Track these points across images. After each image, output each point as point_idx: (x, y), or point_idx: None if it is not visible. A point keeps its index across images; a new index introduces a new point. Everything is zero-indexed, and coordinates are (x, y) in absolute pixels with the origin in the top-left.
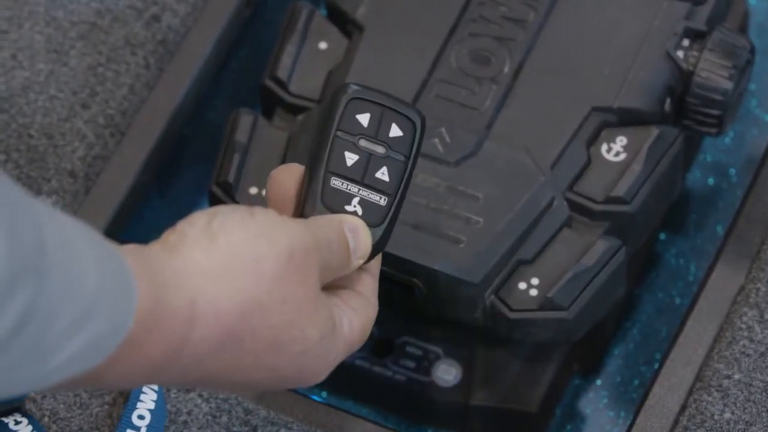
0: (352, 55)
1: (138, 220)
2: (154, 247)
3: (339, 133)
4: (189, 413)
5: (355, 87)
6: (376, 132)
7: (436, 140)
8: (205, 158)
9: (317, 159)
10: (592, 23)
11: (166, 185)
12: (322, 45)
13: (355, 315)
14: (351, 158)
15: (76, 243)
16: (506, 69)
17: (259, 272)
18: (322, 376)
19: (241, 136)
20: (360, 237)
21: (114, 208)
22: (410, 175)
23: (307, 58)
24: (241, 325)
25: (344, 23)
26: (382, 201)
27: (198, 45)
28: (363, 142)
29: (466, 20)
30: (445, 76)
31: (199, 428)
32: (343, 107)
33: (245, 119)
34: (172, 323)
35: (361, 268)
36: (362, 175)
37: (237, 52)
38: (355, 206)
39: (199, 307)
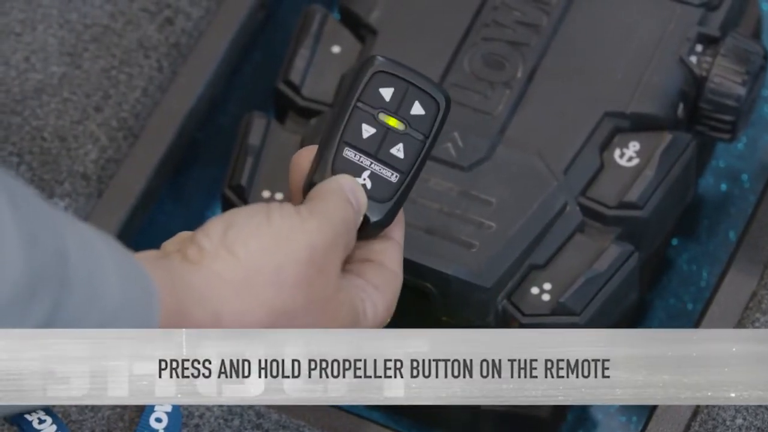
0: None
1: (151, 223)
2: (175, 258)
3: (359, 104)
4: (201, 417)
5: (382, 59)
6: (398, 108)
7: (449, 145)
8: (218, 162)
9: (333, 128)
10: (605, 28)
11: (179, 188)
12: (335, 49)
13: (379, 294)
14: (368, 131)
15: (98, 252)
16: (519, 73)
17: (280, 282)
18: None
19: (254, 139)
20: (359, 195)
21: (127, 211)
22: (426, 155)
23: (320, 62)
24: None
25: (357, 27)
26: (393, 177)
27: (211, 48)
28: (382, 116)
29: (479, 25)
30: (459, 81)
31: (210, 431)
32: (368, 79)
33: (258, 123)
34: None
35: (386, 237)
36: (377, 149)
37: (250, 55)
38: (365, 179)
39: (225, 320)
